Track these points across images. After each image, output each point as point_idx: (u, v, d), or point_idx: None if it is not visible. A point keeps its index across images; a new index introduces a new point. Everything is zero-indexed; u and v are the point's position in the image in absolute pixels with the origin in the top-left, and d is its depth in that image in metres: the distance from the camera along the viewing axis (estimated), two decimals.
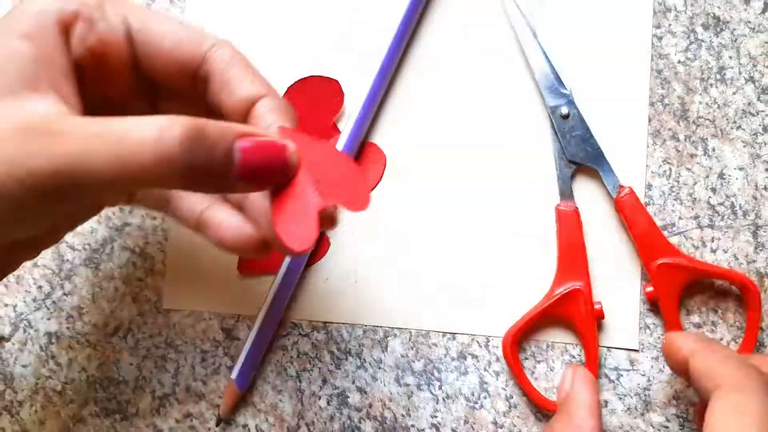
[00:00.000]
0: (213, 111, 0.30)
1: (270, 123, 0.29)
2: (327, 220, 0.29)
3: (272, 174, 0.27)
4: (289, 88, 0.40)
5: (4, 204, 0.24)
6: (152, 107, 0.32)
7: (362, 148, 0.40)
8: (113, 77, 0.30)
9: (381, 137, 0.40)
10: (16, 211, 0.25)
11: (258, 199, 0.29)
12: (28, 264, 0.40)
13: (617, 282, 0.38)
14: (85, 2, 0.28)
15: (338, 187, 0.28)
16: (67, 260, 0.40)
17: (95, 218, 0.40)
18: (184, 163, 0.24)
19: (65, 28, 0.28)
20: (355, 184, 0.28)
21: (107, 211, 0.40)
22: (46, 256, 0.40)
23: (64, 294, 0.40)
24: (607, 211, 0.39)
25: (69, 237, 0.40)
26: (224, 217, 0.30)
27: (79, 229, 0.40)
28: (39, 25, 0.27)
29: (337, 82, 0.40)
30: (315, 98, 0.40)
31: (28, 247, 0.31)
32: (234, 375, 0.37)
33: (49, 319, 0.39)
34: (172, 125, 0.24)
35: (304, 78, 0.40)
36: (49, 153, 0.24)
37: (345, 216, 0.39)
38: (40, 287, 0.40)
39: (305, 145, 0.28)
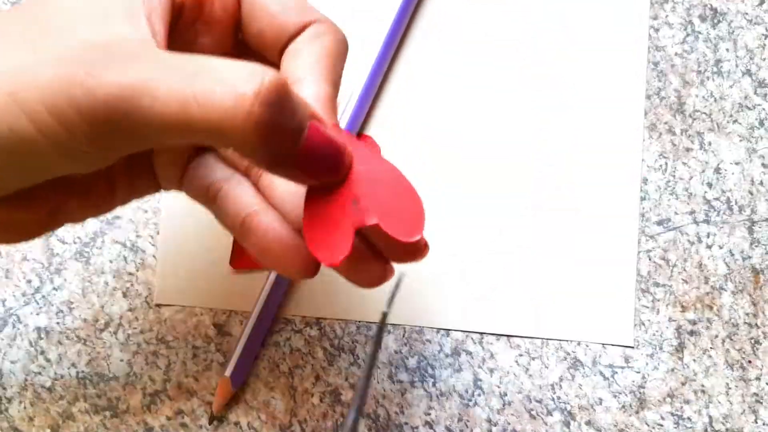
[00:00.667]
0: None
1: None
2: (411, 251, 0.27)
3: (327, 167, 0.25)
4: None
5: (57, 128, 0.22)
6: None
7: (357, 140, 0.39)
8: (209, 29, 0.27)
9: (377, 129, 0.39)
10: (68, 137, 0.22)
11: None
12: (17, 257, 0.39)
13: (611, 278, 0.38)
14: None
15: (385, 207, 0.25)
16: (57, 254, 0.39)
17: None
18: (262, 115, 0.21)
19: None
20: (406, 208, 0.25)
21: None
22: (35, 249, 0.39)
23: (54, 288, 0.39)
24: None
25: (59, 231, 0.39)
26: (272, 223, 0.27)
27: None
28: None
29: None
30: None
31: (79, 200, 0.28)
32: (228, 372, 0.37)
33: (38, 313, 0.39)
34: (263, 72, 0.22)
35: None
36: (112, 75, 0.22)
37: None
38: (29, 281, 0.39)
39: (358, 152, 0.26)
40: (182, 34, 0.27)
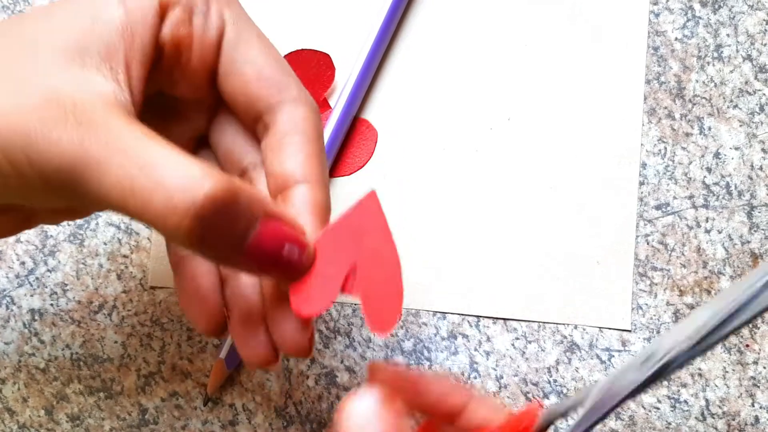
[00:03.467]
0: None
1: (302, 221, 0.26)
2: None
3: (281, 266, 0.25)
4: None
5: (11, 171, 0.23)
6: (208, 118, 0.30)
7: (354, 125, 0.39)
8: (186, 77, 0.27)
9: (373, 113, 0.39)
10: (22, 183, 0.23)
11: None
12: (10, 239, 0.39)
13: (609, 262, 0.38)
14: None
15: (371, 291, 0.25)
16: (51, 236, 0.39)
17: None
18: (193, 230, 0.22)
19: (164, 7, 0.26)
20: (387, 300, 0.25)
21: None
22: (29, 231, 0.39)
23: (48, 270, 0.39)
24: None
25: None
26: (197, 272, 0.28)
27: None
28: None
29: (328, 56, 0.39)
30: (305, 72, 0.39)
31: (51, 211, 0.29)
32: (223, 354, 0.37)
33: (32, 295, 0.39)
34: (201, 183, 0.22)
35: (295, 51, 0.39)
36: (67, 146, 0.22)
37: (335, 192, 0.38)
38: (23, 263, 0.39)
39: (370, 226, 0.26)
40: (160, 77, 0.27)
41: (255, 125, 0.28)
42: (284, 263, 0.25)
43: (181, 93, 0.28)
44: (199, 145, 0.30)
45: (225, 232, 0.23)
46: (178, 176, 0.22)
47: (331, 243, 0.26)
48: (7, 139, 0.23)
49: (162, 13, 0.26)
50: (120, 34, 0.25)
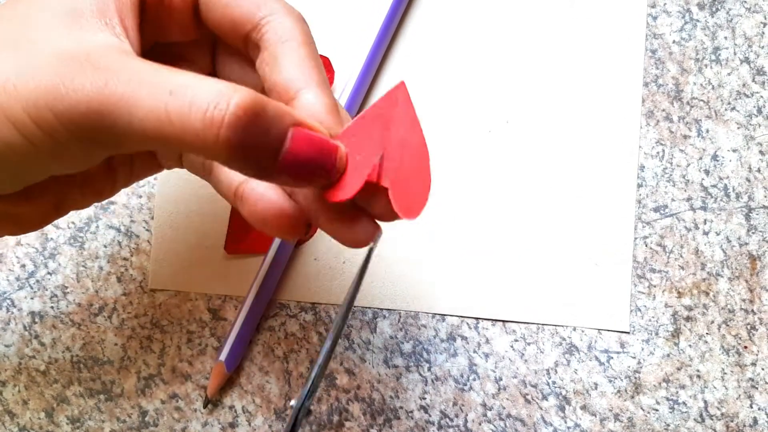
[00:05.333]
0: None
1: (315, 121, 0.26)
2: (394, 219, 0.27)
3: (317, 173, 0.25)
4: None
5: (41, 135, 0.23)
6: (211, 58, 0.30)
7: None
8: (173, 19, 0.28)
9: None
10: (54, 146, 0.23)
11: None
12: (11, 242, 0.39)
13: (607, 264, 0.38)
14: None
15: (400, 177, 0.25)
16: (51, 239, 0.39)
17: None
18: (230, 139, 0.22)
19: None
20: (416, 186, 0.26)
21: None
22: (29, 234, 0.39)
23: (48, 273, 0.39)
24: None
25: None
26: (262, 191, 0.28)
27: None
28: None
29: (327, 58, 0.39)
30: None
31: (81, 189, 0.29)
32: (223, 356, 0.37)
33: (32, 298, 0.39)
34: (230, 95, 0.22)
35: None
36: (91, 89, 0.22)
37: None
38: (23, 266, 0.39)
39: (398, 116, 0.26)
40: (149, 26, 0.27)
41: (248, 48, 0.28)
42: (319, 169, 0.25)
43: (174, 38, 0.29)
44: None
45: (260, 140, 0.23)
46: (209, 91, 0.22)
47: (359, 132, 0.26)
48: (30, 100, 0.23)
49: None
50: None
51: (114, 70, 0.23)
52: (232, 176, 0.29)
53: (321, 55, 0.39)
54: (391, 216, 0.26)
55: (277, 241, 0.37)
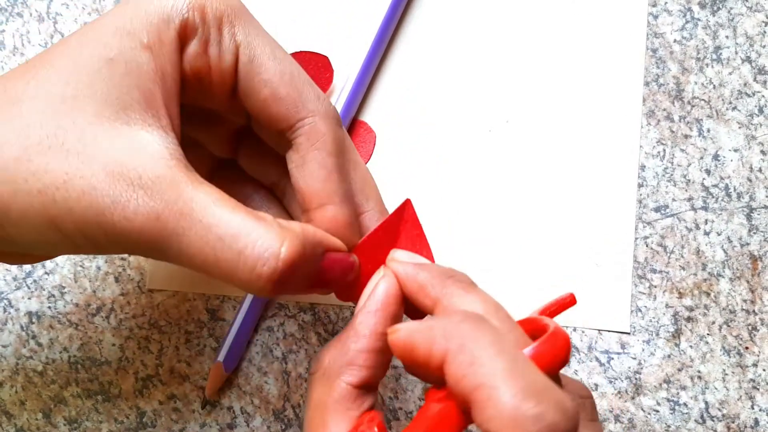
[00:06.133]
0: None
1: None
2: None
3: (334, 285, 0.28)
4: None
5: (86, 243, 0.24)
6: (247, 116, 0.30)
7: (352, 127, 0.39)
8: (210, 98, 0.28)
9: (372, 115, 0.39)
10: (97, 250, 0.25)
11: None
12: None
13: (608, 264, 0.37)
14: (205, 15, 0.26)
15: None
16: None
17: None
18: (274, 286, 0.24)
19: (183, 41, 0.26)
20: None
21: None
22: None
23: (46, 273, 0.39)
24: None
25: None
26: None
27: None
28: (160, 35, 0.25)
29: (326, 57, 0.39)
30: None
31: None
32: (221, 357, 0.37)
33: (30, 298, 0.39)
34: (278, 250, 0.24)
35: (293, 53, 0.39)
36: (144, 222, 0.24)
37: None
38: (20, 266, 0.39)
39: (402, 229, 0.29)
40: (188, 97, 0.28)
41: (280, 141, 0.29)
42: (338, 282, 0.28)
43: (213, 107, 0.29)
44: (243, 135, 0.32)
45: (299, 278, 0.25)
46: (258, 246, 0.24)
47: (372, 245, 0.29)
48: (79, 215, 0.24)
49: (182, 47, 0.26)
50: (153, 79, 0.25)
51: (165, 199, 0.24)
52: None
53: (320, 54, 0.39)
54: None
55: None
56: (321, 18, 0.39)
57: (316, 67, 0.39)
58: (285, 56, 0.28)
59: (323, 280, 0.27)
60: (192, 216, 0.24)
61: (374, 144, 0.39)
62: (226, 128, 0.31)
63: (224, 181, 0.30)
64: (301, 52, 0.39)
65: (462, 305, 0.25)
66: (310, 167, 0.28)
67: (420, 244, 0.29)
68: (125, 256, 0.38)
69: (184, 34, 0.26)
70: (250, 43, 0.27)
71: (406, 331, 0.24)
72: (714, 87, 0.38)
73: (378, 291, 0.27)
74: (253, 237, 0.24)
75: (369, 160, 0.39)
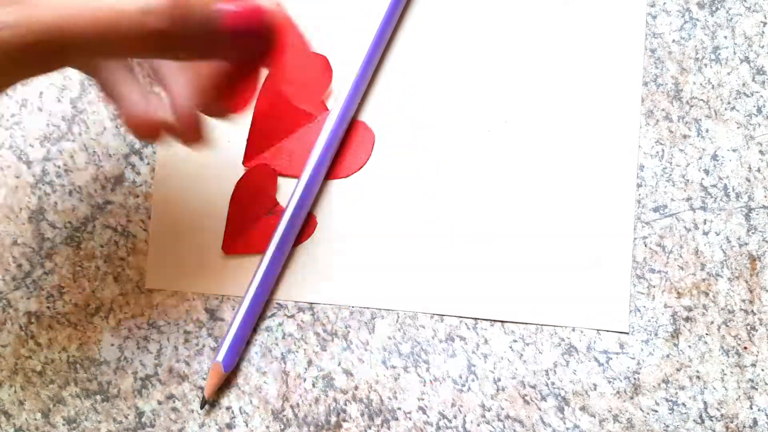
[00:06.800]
0: None
1: None
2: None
3: (258, 36, 0.28)
4: None
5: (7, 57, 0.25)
6: None
7: (351, 127, 0.39)
8: None
9: (371, 116, 0.39)
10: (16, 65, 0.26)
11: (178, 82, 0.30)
12: (7, 241, 0.39)
13: (606, 264, 0.37)
14: None
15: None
16: (48, 238, 0.39)
17: (77, 196, 0.39)
18: (166, 32, 0.25)
19: None
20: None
21: (89, 189, 0.39)
22: (26, 234, 0.39)
23: (45, 273, 0.39)
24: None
25: (49, 215, 0.39)
26: (132, 93, 0.31)
27: (60, 207, 0.39)
28: None
29: (325, 58, 0.39)
30: (303, 75, 0.39)
31: None
32: (220, 357, 0.37)
33: (28, 298, 0.39)
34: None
35: (293, 53, 0.39)
36: (29, 17, 0.24)
37: (332, 194, 0.38)
38: (19, 265, 0.39)
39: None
40: None
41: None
42: (260, 30, 0.28)
43: None
44: None
45: (191, 23, 0.26)
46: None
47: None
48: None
49: None
50: None
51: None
52: (113, 78, 0.31)
53: (319, 54, 0.39)
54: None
55: (275, 241, 0.37)
56: (320, 19, 0.40)
57: (315, 67, 0.39)
58: None
59: (239, 22, 0.27)
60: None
61: (373, 144, 0.39)
62: None
63: None
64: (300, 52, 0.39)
65: None
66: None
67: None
68: (124, 255, 0.39)
69: None
70: None
71: None
72: (713, 87, 0.38)
73: None
74: None
75: (368, 160, 0.39)
